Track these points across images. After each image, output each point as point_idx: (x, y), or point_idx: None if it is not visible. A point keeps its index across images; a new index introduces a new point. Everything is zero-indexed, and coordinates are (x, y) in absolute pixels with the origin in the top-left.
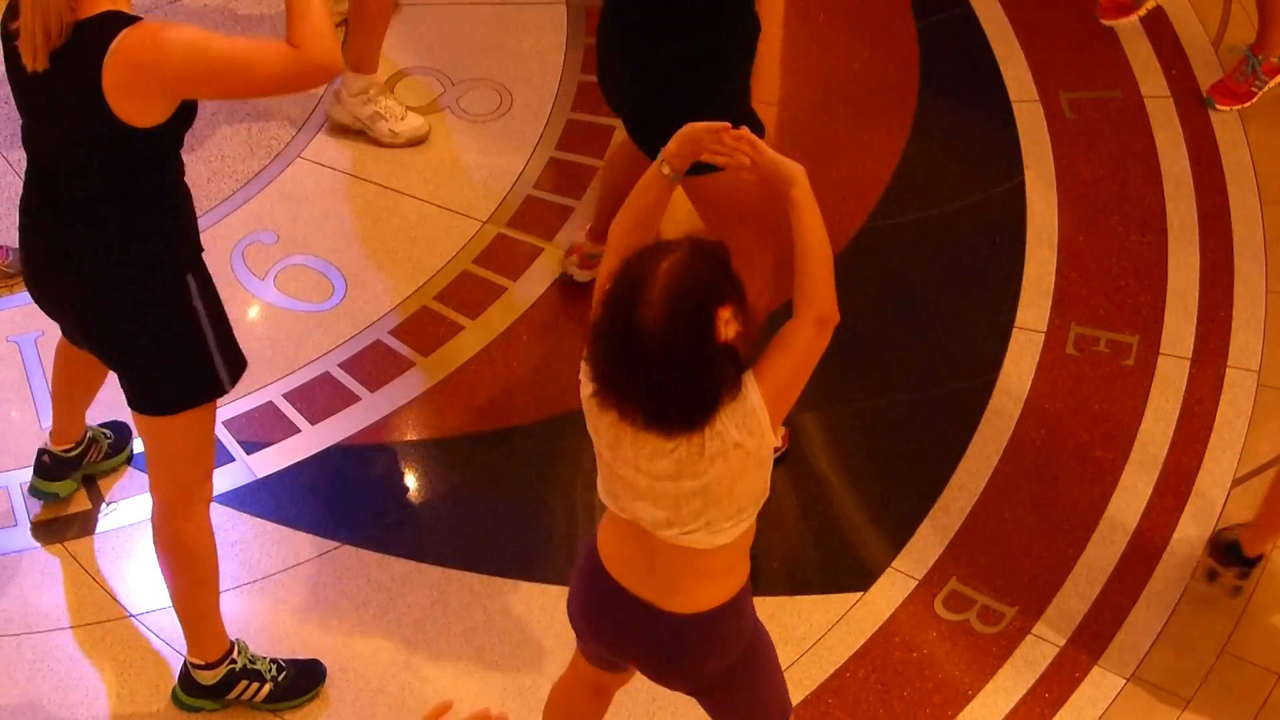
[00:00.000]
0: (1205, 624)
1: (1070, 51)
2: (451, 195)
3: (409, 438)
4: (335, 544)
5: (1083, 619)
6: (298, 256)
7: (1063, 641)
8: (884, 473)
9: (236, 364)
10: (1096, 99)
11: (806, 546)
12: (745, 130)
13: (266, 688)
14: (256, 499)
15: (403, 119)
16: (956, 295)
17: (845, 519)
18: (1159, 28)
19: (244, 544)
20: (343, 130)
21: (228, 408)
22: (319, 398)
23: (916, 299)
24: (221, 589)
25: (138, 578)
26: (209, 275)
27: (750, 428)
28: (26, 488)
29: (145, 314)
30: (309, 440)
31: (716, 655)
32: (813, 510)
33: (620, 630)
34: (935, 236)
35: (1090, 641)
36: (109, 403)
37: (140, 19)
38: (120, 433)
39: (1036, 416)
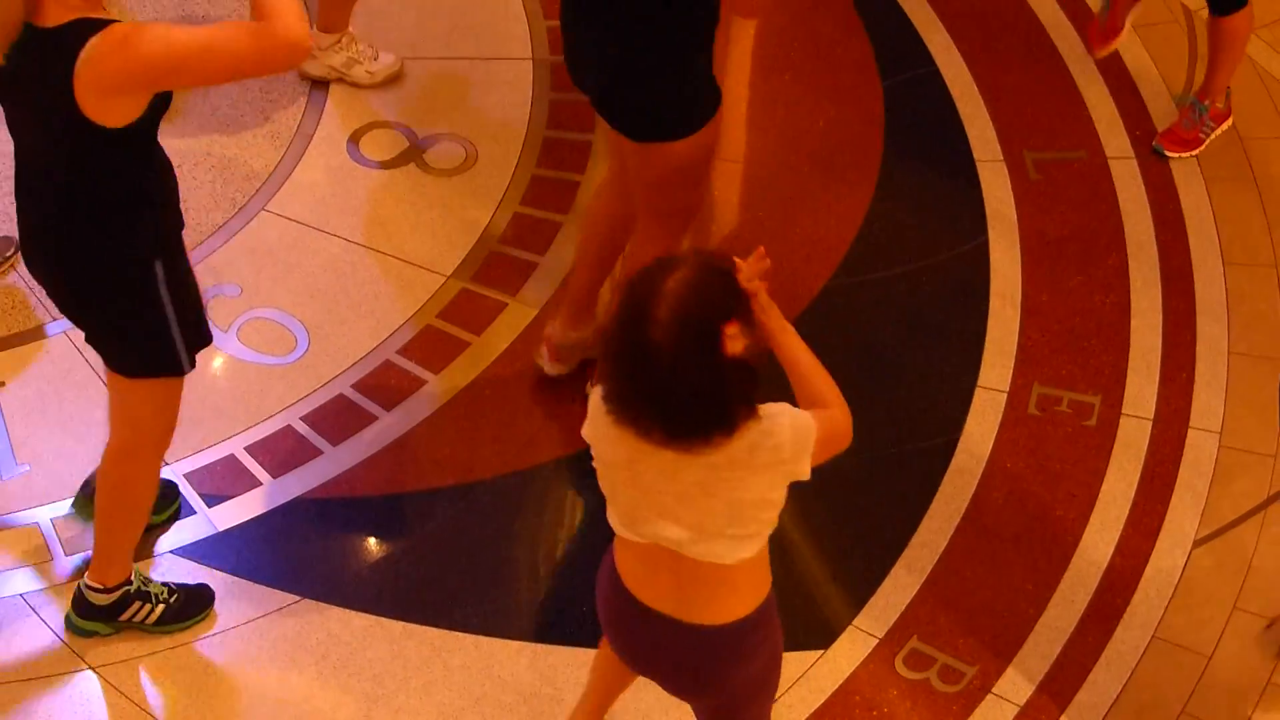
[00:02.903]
0: (1166, 684)
1: (1035, 112)
2: (416, 249)
3: (371, 491)
4: (295, 598)
5: (1043, 678)
6: (261, 310)
7: (1023, 701)
8: (846, 530)
9: (197, 345)
10: (1061, 159)
11: None
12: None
13: (159, 609)
14: (217, 552)
15: (375, 59)
16: (920, 354)
17: (806, 576)
18: (1123, 88)
19: None
20: (308, 185)
21: (189, 460)
22: (281, 451)
23: (880, 357)
24: (181, 642)
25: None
26: (182, 260)
27: (798, 444)
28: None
29: (110, 295)
30: (270, 493)
31: (744, 664)
32: (774, 567)
33: (650, 649)
34: (899, 295)
35: (1051, 701)
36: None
37: (110, 23)
38: (163, 492)
39: (999, 476)
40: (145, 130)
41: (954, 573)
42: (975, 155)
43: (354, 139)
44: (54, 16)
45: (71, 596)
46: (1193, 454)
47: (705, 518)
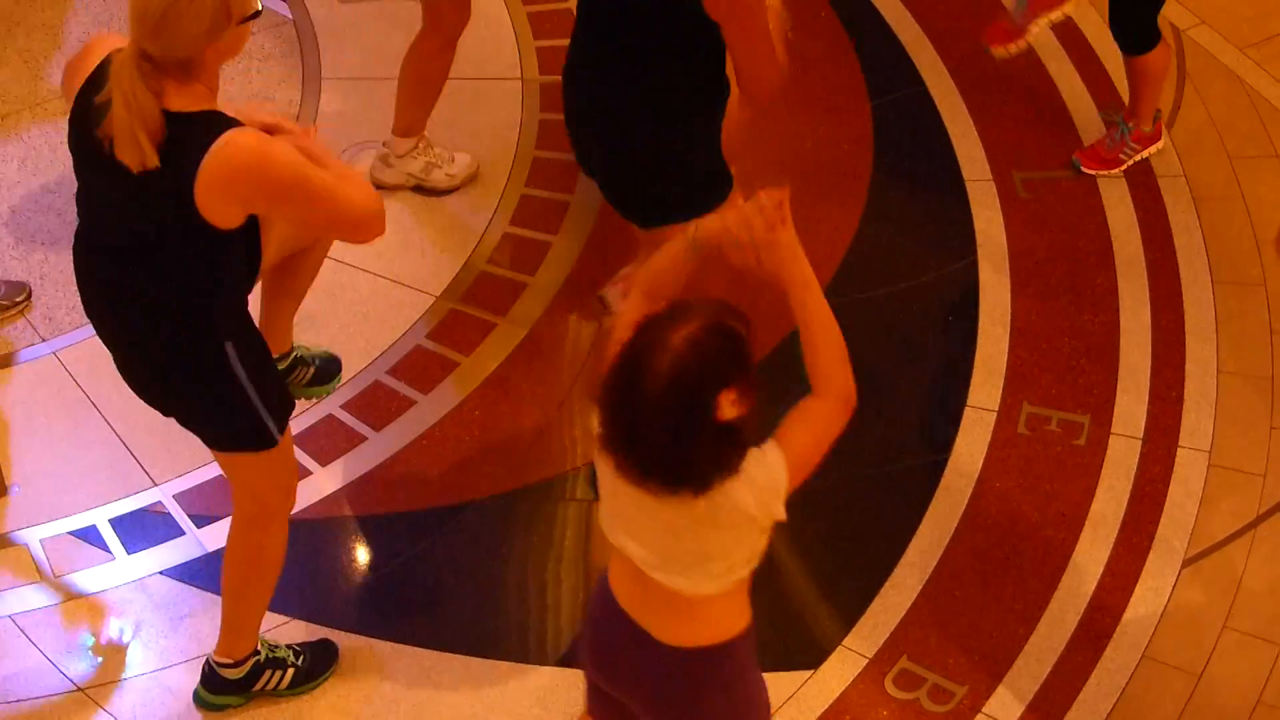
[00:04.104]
0: (1155, 704)
1: (1024, 131)
2: (405, 270)
3: (360, 512)
4: (285, 619)
5: (1033, 698)
6: None
7: None
8: (835, 550)
9: (283, 413)
10: (1050, 179)
11: (758, 623)
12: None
13: (290, 673)
14: (206, 573)
15: (453, 160)
16: (909, 373)
17: (796, 596)
18: (1113, 108)
19: (193, 618)
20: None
21: (177, 480)
22: None
23: (869, 377)
24: (170, 663)
25: (85, 651)
26: (254, 337)
27: (764, 500)
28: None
29: (185, 376)
30: None
31: (707, 695)
32: (764, 587)
33: (617, 655)
34: (888, 314)
35: None
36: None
37: (237, 123)
38: (328, 365)
39: (988, 495)
40: (248, 230)
41: (944, 592)
42: (964, 174)
43: (344, 159)
44: (178, 103)
45: (204, 676)
46: (1182, 473)
47: (672, 553)
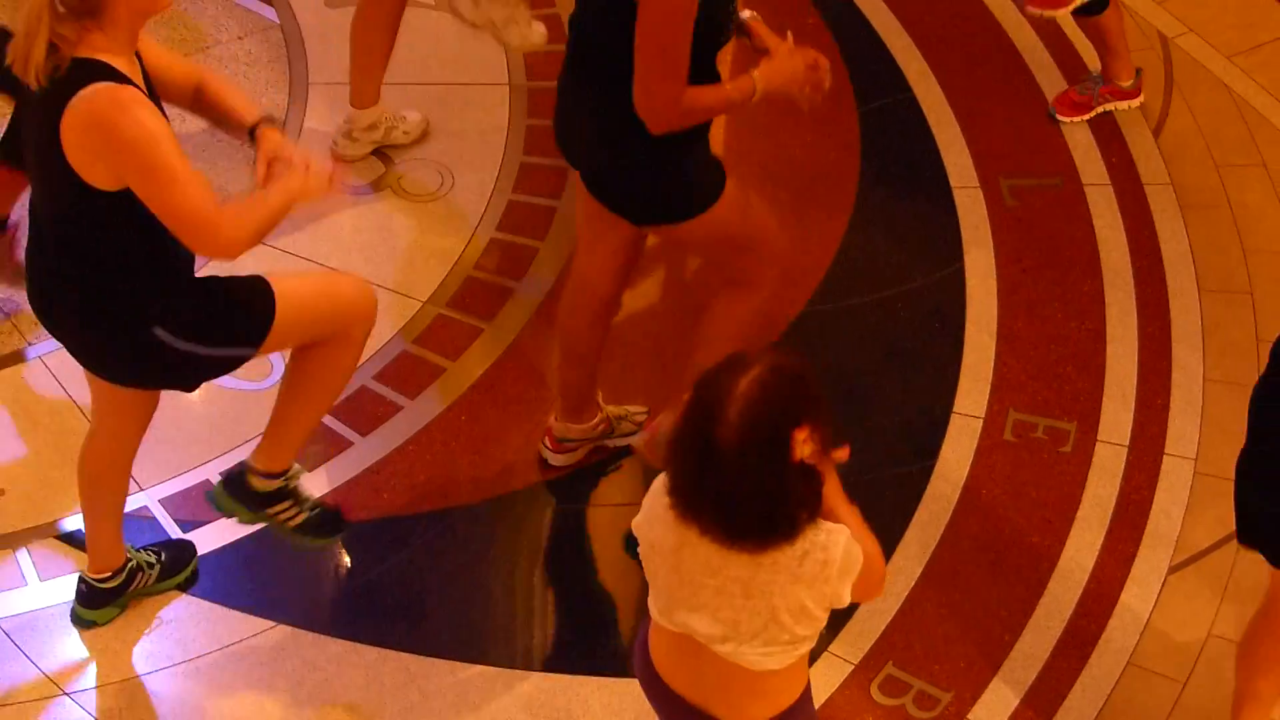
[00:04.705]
0: (1140, 711)
1: (1011, 139)
2: (391, 275)
3: (346, 517)
4: (270, 623)
5: (1018, 705)
6: None
7: None
8: None
9: (261, 330)
10: (1037, 186)
11: None
12: None
13: (302, 516)
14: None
15: (405, 119)
16: (895, 380)
17: None
18: (1099, 117)
19: (179, 622)
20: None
21: (164, 485)
22: None
23: (856, 383)
24: (155, 668)
25: (72, 656)
26: (192, 309)
27: (847, 564)
28: (69, 613)
29: (124, 355)
30: None
31: None
32: None
33: None
34: (875, 321)
35: None
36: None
37: (122, 80)
38: (178, 555)
39: (974, 502)
40: (133, 202)
41: (929, 599)
42: (951, 182)
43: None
44: (84, 47)
45: (227, 475)
46: (1168, 480)
47: (741, 617)
